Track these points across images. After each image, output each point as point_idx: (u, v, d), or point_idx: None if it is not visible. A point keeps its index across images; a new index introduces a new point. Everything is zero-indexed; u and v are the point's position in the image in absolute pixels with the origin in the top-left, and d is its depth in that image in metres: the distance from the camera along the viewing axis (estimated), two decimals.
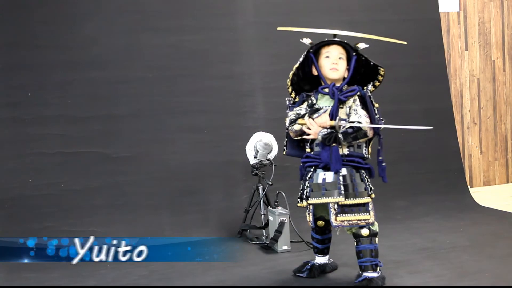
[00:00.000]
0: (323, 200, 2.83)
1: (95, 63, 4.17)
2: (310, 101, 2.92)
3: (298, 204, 2.93)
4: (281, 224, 3.61)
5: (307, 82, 3.01)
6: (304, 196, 2.88)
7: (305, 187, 2.88)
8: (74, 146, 4.09)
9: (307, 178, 2.89)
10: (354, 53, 2.91)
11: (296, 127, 2.91)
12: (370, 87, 2.90)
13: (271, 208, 3.76)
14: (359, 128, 2.80)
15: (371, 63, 2.91)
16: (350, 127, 2.80)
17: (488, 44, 5.43)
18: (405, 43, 3.10)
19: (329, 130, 2.80)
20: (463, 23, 5.34)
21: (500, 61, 5.49)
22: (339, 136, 2.79)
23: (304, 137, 2.91)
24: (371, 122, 2.83)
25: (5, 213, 3.89)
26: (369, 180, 2.89)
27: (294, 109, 2.97)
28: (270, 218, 3.75)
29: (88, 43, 4.17)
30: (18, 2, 4.05)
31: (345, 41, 2.90)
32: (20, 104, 4.02)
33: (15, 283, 3.27)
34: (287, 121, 2.95)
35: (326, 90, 2.88)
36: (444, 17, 5.27)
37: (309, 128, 2.85)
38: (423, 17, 5.08)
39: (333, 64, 2.88)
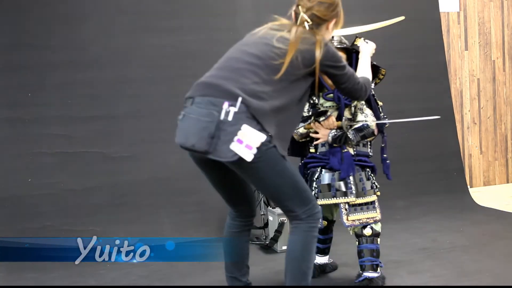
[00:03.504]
0: (333, 200, 2.84)
1: (95, 63, 4.17)
2: (312, 101, 2.92)
3: None
4: (281, 224, 3.61)
5: None
6: None
7: (313, 187, 2.88)
8: (74, 146, 4.08)
9: (314, 179, 2.89)
10: (353, 51, 2.91)
11: (302, 130, 2.91)
12: (372, 85, 2.91)
13: (271, 208, 3.76)
14: (367, 127, 2.82)
15: (372, 63, 2.91)
16: (358, 126, 2.82)
17: (488, 44, 5.43)
18: (403, 17, 3.08)
19: (338, 131, 2.82)
20: (463, 23, 5.34)
21: (500, 61, 5.49)
22: (349, 136, 2.80)
23: (315, 142, 2.91)
24: (376, 120, 2.86)
25: (5, 213, 3.88)
26: (374, 178, 2.92)
27: None
28: (270, 218, 3.75)
29: (88, 43, 4.17)
30: (18, 2, 4.05)
31: (344, 45, 2.89)
32: (20, 104, 4.01)
33: (15, 283, 3.27)
34: None
35: (331, 95, 2.88)
36: (444, 17, 5.27)
37: (316, 132, 2.87)
38: (423, 17, 5.08)
39: None
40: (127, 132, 4.22)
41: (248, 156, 2.08)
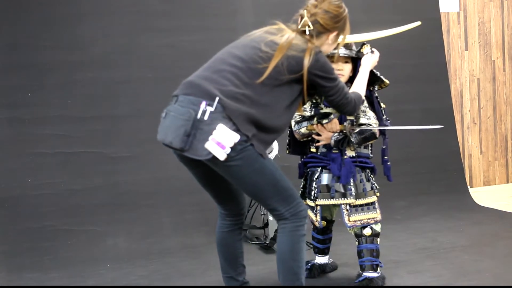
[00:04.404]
0: (333, 201, 2.84)
1: (95, 63, 4.17)
2: (314, 101, 2.92)
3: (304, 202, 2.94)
4: None
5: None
6: (312, 197, 2.88)
7: (313, 187, 2.88)
8: (74, 146, 4.09)
9: (314, 179, 2.89)
10: (359, 59, 2.88)
11: (304, 130, 2.91)
12: (376, 87, 2.91)
13: None
14: (369, 130, 2.82)
15: (377, 74, 2.90)
16: (360, 129, 2.82)
17: (488, 44, 5.43)
18: (419, 23, 3.07)
19: (341, 134, 2.82)
20: (463, 23, 5.34)
21: (500, 61, 5.49)
22: (352, 139, 2.81)
23: (316, 144, 2.91)
24: (379, 123, 2.86)
25: (5, 213, 3.88)
26: (374, 178, 2.92)
27: None
28: (270, 218, 3.75)
29: (88, 43, 4.17)
30: (18, 2, 4.05)
31: (348, 51, 2.86)
32: (20, 104, 4.01)
33: (15, 283, 3.28)
34: (292, 122, 2.95)
35: None
36: (444, 17, 5.27)
37: (318, 134, 2.87)
38: (423, 17, 5.04)
39: (338, 71, 2.85)
40: (127, 132, 4.22)
41: (221, 155, 2.14)
